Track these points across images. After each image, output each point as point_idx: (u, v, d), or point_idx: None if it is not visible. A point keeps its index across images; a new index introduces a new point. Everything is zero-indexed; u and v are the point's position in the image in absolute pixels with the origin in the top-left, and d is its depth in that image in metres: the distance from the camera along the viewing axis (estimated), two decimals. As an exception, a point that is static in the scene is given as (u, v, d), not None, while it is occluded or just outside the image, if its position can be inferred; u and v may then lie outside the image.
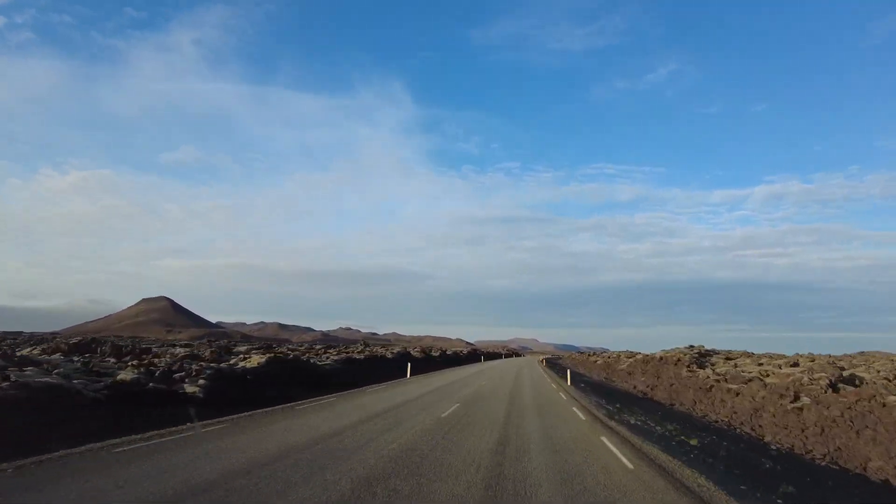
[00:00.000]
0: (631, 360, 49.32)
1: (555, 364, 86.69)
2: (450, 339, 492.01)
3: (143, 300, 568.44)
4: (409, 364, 29.10)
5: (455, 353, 79.09)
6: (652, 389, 30.23)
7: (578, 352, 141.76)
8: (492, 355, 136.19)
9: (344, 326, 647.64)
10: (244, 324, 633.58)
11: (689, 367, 29.09)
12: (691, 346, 40.98)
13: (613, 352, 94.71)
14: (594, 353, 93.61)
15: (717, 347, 71.86)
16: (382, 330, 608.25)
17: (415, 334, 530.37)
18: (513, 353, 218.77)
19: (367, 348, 54.46)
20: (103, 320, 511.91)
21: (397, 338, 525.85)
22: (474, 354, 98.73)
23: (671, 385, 28.01)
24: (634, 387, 32.87)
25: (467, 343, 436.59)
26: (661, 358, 35.38)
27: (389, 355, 44.91)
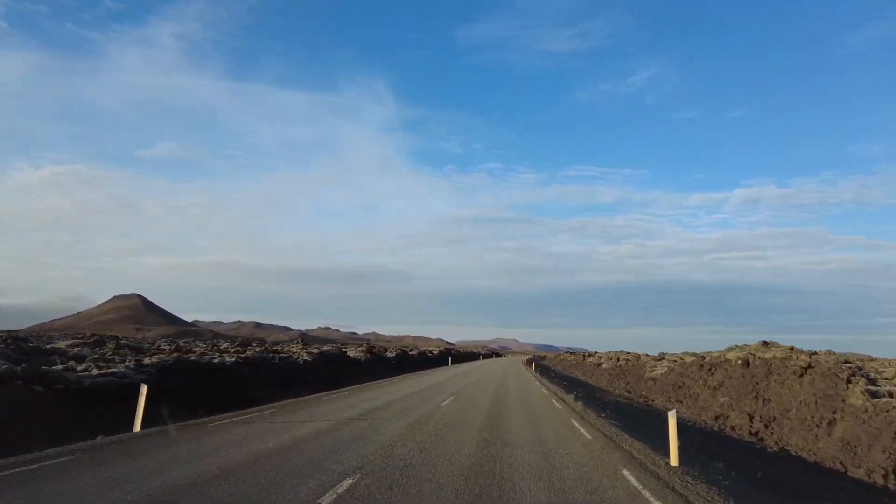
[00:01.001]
0: (663, 362, 34.33)
1: (550, 370, 69.69)
2: (430, 339, 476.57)
3: (115, 297, 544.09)
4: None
5: (422, 354, 63.20)
6: (766, 427, 15.25)
7: (570, 352, 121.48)
8: (465, 356, 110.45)
9: (323, 326, 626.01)
10: (221, 323, 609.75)
11: (845, 381, 14.10)
12: (765, 343, 26.09)
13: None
14: (591, 354, 77.23)
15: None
16: (363, 330, 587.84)
17: (395, 334, 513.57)
18: (493, 354, 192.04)
19: (262, 346, 38.35)
20: (71, 318, 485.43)
21: (377, 337, 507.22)
22: (445, 355, 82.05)
23: (827, 423, 13.08)
24: (717, 417, 17.81)
25: (447, 343, 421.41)
26: (748, 363, 20.38)
27: (304, 359, 29.22)
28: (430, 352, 71.70)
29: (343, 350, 38.21)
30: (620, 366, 46.66)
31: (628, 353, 50.30)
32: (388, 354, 46.32)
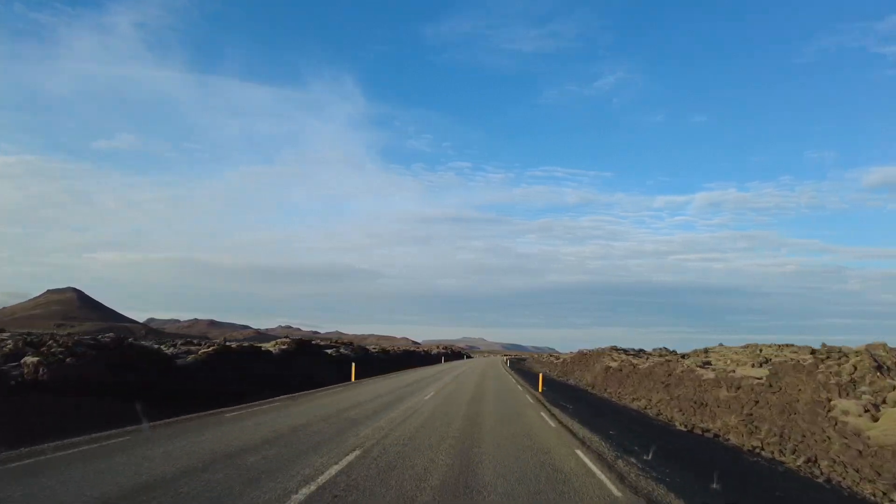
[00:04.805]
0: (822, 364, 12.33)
1: (576, 392, 33.64)
2: (395, 338, 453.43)
3: (48, 292, 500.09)
4: None
5: (338, 352, 40.00)
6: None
7: (556, 353, 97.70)
8: (375, 360, 50.45)
9: (284, 325, 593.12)
10: (178, 321, 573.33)
11: None
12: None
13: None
14: (606, 352, 52.65)
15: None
16: (325, 329, 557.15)
17: (360, 333, 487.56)
18: (443, 354, 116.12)
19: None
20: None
21: (340, 336, 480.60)
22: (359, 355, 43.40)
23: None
24: None
25: (413, 342, 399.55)
26: None
27: None
28: (335, 347, 45.14)
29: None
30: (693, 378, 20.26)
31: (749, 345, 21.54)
32: (274, 350, 23.57)
